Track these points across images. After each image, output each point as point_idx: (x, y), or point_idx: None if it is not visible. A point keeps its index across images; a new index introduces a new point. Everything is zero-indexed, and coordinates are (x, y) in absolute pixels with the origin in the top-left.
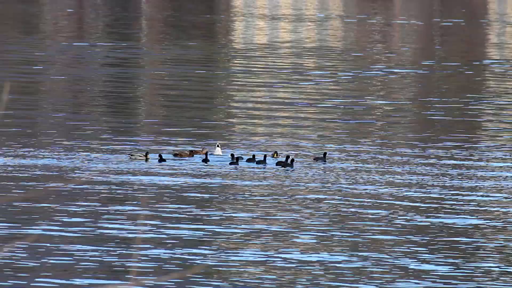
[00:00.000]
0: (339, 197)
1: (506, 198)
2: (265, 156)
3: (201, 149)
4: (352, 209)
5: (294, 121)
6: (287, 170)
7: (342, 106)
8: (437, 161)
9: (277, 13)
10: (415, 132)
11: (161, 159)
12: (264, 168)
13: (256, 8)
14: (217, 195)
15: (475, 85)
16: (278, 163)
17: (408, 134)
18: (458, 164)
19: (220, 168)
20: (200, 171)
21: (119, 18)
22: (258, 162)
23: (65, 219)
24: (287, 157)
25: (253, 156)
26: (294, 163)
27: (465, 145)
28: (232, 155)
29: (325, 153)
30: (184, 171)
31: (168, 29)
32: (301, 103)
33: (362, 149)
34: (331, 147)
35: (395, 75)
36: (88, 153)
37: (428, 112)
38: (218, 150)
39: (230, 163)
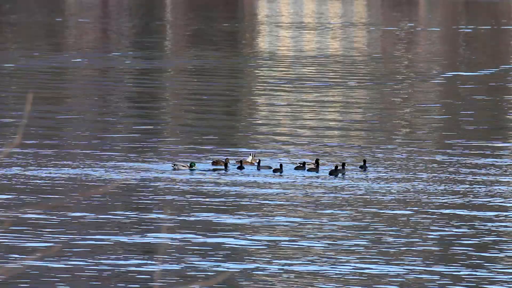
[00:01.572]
0: (380, 206)
1: None
2: (317, 161)
3: (250, 159)
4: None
5: (320, 129)
6: (336, 177)
7: (369, 114)
8: (470, 169)
9: (301, 22)
10: (444, 139)
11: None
12: (317, 173)
13: (280, 16)
14: (259, 203)
15: (500, 91)
16: (331, 172)
17: (438, 140)
18: (491, 171)
19: (264, 176)
20: (242, 179)
21: (143, 27)
22: (310, 170)
23: (93, 229)
24: (343, 164)
25: (304, 163)
26: (345, 168)
27: (494, 152)
28: (259, 162)
29: (364, 161)
30: (229, 179)
31: (192, 38)
32: (327, 110)
33: (392, 156)
34: (358, 155)
35: (421, 82)
36: (120, 162)
37: (456, 119)
38: (250, 159)
39: (274, 171)
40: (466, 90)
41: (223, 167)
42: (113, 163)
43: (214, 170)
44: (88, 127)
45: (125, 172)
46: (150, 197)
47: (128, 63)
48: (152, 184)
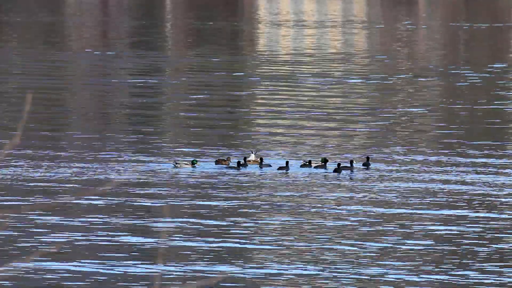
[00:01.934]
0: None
1: None
2: (325, 161)
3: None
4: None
5: (320, 127)
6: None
7: (369, 112)
8: (469, 167)
9: (301, 20)
10: (444, 137)
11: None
12: (325, 173)
13: (280, 15)
14: (263, 203)
15: (500, 89)
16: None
17: (436, 139)
18: (491, 169)
19: (269, 174)
20: (245, 178)
21: (143, 27)
22: (316, 168)
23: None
24: (352, 161)
25: (309, 161)
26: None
27: (494, 150)
28: (261, 160)
29: (368, 158)
30: (234, 177)
31: (192, 37)
32: (327, 108)
33: (392, 154)
34: (356, 153)
35: (421, 80)
36: (120, 162)
37: (455, 117)
38: (252, 157)
39: (279, 168)
40: (466, 88)
41: (236, 165)
42: (113, 162)
43: (228, 168)
44: (88, 126)
45: (125, 171)
46: (151, 196)
47: (128, 62)
48: (153, 182)
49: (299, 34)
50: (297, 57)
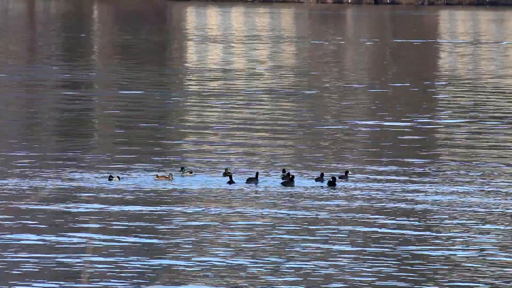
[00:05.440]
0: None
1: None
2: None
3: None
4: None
5: (250, 142)
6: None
7: (298, 127)
8: (397, 177)
9: (229, 35)
10: (372, 150)
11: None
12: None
13: (208, 29)
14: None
15: (426, 102)
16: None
17: (365, 152)
18: (418, 179)
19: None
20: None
21: (71, 40)
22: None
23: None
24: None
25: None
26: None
27: (419, 162)
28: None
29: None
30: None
31: (119, 50)
32: (257, 123)
33: (325, 168)
34: (286, 166)
35: (349, 94)
36: (47, 173)
37: (382, 129)
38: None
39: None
40: (392, 101)
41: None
42: (40, 174)
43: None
44: (14, 140)
45: (52, 184)
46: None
47: (52, 75)
48: (78, 195)
49: (227, 49)
50: (225, 72)
